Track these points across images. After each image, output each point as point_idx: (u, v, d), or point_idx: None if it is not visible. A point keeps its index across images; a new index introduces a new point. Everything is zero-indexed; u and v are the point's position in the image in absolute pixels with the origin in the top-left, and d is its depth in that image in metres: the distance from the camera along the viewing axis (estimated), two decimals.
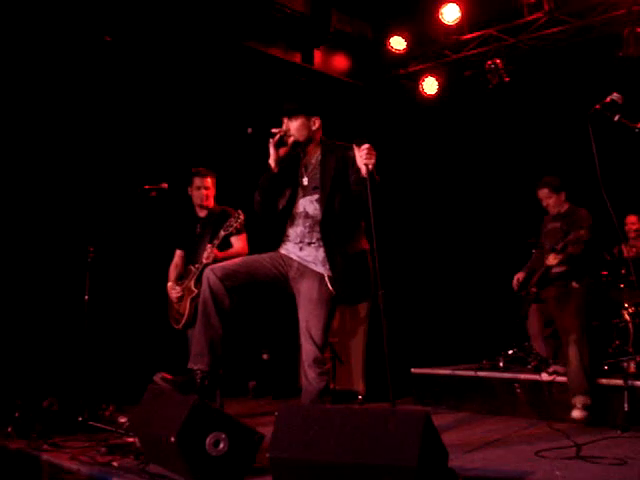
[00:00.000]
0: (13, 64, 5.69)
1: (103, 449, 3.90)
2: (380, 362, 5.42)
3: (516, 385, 5.44)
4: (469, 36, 7.50)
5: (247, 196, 4.12)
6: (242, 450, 3.27)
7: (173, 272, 5.19)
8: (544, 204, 5.42)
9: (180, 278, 5.11)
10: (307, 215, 3.80)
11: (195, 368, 3.63)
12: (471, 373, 5.82)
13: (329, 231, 3.72)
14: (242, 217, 4.68)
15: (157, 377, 3.62)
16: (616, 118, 3.49)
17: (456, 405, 5.82)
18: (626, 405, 4.57)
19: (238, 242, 4.97)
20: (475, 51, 7.58)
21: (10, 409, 4.61)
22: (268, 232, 4.06)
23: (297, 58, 7.63)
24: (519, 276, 5.55)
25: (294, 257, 3.80)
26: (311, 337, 3.66)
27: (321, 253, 3.73)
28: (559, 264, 5.12)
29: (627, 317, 5.43)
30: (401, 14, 7.74)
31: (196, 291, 4.80)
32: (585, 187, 4.66)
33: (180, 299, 5.00)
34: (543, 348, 5.27)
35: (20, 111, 5.77)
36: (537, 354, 5.54)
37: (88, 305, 5.06)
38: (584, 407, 4.63)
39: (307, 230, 3.79)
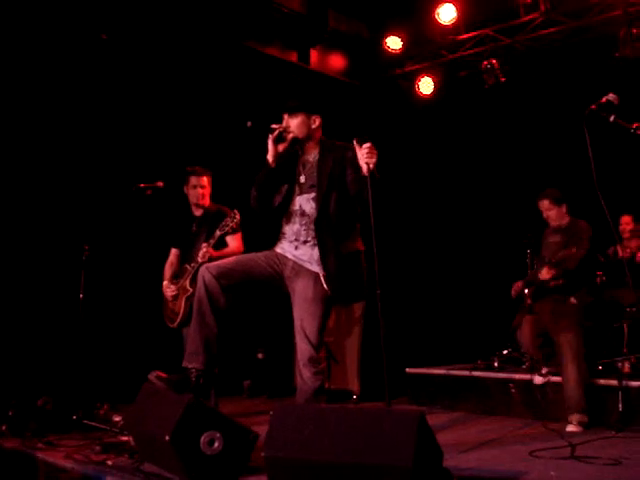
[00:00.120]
0: (9, 62, 5.68)
1: (97, 448, 3.88)
2: (375, 362, 5.43)
3: (511, 385, 5.45)
4: (465, 36, 7.50)
5: (243, 195, 4.12)
6: (237, 449, 3.26)
7: (168, 271, 5.19)
8: (544, 216, 5.37)
9: (175, 277, 5.11)
10: (303, 213, 3.80)
11: (190, 367, 3.63)
12: (466, 373, 5.83)
13: (324, 230, 3.72)
14: (238, 217, 4.68)
15: (152, 376, 3.61)
16: (612, 119, 3.49)
17: (451, 405, 5.83)
18: (620, 405, 4.58)
19: (233, 241, 4.96)
20: (471, 51, 7.58)
21: (4, 408, 4.59)
22: (264, 230, 4.06)
23: (293, 57, 7.63)
24: (518, 284, 5.51)
25: (289, 256, 3.80)
26: (306, 336, 3.66)
27: (316, 252, 3.73)
28: (555, 278, 5.09)
29: (622, 317, 5.44)
30: (397, 14, 7.74)
31: (191, 290, 4.79)
32: (580, 187, 4.67)
33: (175, 298, 4.99)
34: (535, 355, 5.26)
35: (15, 109, 5.76)
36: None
37: (83, 303, 5.06)
38: (580, 424, 4.62)
39: (303, 228, 3.79)
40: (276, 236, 3.91)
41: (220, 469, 3.20)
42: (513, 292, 5.53)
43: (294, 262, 3.78)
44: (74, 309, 5.07)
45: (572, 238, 5.13)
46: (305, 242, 3.77)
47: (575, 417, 4.62)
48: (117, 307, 6.18)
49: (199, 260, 4.72)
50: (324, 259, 3.69)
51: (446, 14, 7.27)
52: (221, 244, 4.89)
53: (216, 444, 3.20)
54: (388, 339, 3.41)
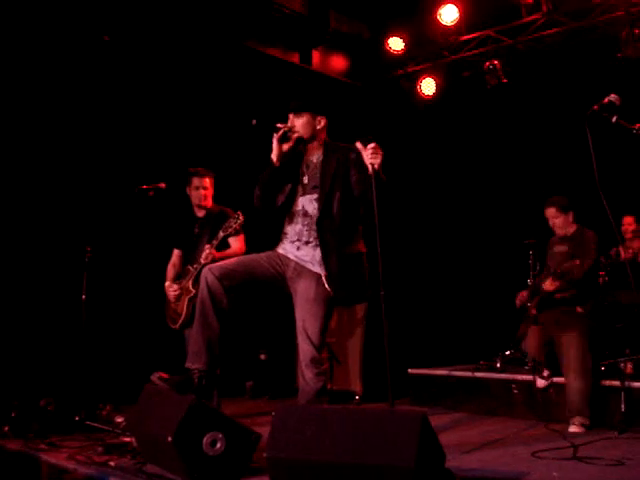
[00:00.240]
0: (11, 64, 5.69)
1: (100, 449, 3.88)
2: (377, 362, 5.43)
3: (513, 386, 5.44)
4: (467, 37, 7.50)
5: (245, 196, 4.12)
6: (239, 450, 3.26)
7: (171, 271, 5.19)
8: (550, 224, 5.26)
9: (178, 278, 5.11)
10: (306, 213, 3.80)
11: (192, 368, 3.63)
12: (468, 374, 5.82)
13: (326, 231, 3.73)
14: (242, 218, 4.68)
15: (154, 376, 3.61)
16: (614, 119, 3.49)
17: (453, 406, 5.82)
18: (623, 406, 4.57)
19: (236, 243, 4.97)
20: (473, 52, 7.58)
21: (7, 409, 4.59)
22: (267, 230, 4.06)
23: (295, 58, 7.64)
24: (523, 294, 5.43)
25: (291, 257, 3.81)
26: (308, 337, 3.66)
27: (318, 253, 3.73)
28: (560, 290, 5.02)
29: (624, 318, 5.43)
30: (399, 15, 7.74)
31: (194, 291, 4.79)
32: (582, 188, 4.66)
33: (177, 299, 4.99)
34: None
35: (18, 110, 5.77)
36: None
37: (85, 305, 5.06)
38: (582, 425, 4.62)
39: (305, 229, 3.79)
40: (278, 237, 3.91)
41: (222, 470, 3.20)
42: (518, 302, 5.44)
43: (296, 263, 3.78)
44: (76, 310, 5.08)
45: (578, 248, 5.04)
46: (307, 243, 3.78)
47: (577, 419, 4.62)
48: (119, 308, 6.18)
49: (202, 261, 4.72)
50: (326, 259, 3.69)
51: (448, 15, 7.27)
52: (223, 245, 4.89)
53: (218, 445, 3.20)
54: (390, 340, 3.41)
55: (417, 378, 6.19)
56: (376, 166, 3.50)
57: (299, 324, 3.71)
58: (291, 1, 7.10)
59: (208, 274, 3.67)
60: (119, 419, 4.59)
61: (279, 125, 3.78)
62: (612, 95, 3.51)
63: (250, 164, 4.99)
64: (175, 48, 6.52)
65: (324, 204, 3.74)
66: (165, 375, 3.60)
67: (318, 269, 3.72)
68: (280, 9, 6.98)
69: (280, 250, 3.86)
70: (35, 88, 5.85)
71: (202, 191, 5.09)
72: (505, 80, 7.30)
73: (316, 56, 7.82)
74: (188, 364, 3.66)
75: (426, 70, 8.05)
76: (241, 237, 4.98)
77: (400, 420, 2.82)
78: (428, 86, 8.06)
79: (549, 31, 6.97)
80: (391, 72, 8.26)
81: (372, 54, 8.12)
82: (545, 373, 5.04)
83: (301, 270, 3.76)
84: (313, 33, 7.55)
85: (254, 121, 3.76)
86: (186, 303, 4.90)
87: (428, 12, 7.41)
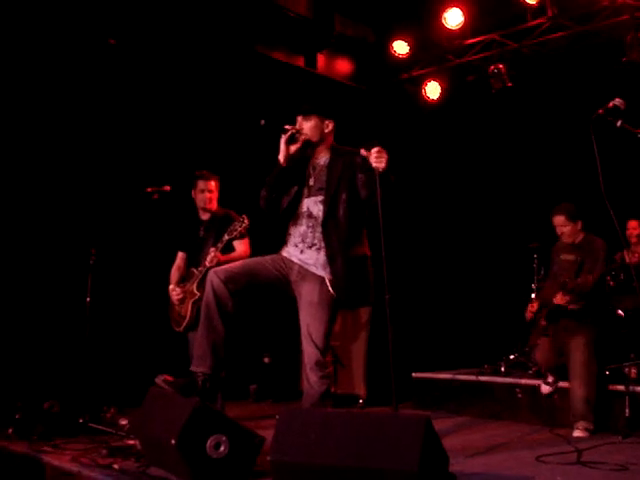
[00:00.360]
0: (18, 67, 5.70)
1: (104, 451, 3.88)
2: (381, 366, 5.42)
3: (517, 390, 5.44)
4: (472, 41, 7.49)
5: (250, 199, 4.12)
6: (243, 453, 3.27)
7: (175, 274, 5.19)
8: (558, 232, 5.19)
9: (182, 280, 5.11)
10: (310, 215, 3.81)
11: (197, 371, 3.64)
12: (472, 378, 5.82)
13: (331, 232, 3.73)
14: (247, 222, 4.68)
15: (159, 379, 3.62)
16: (619, 123, 3.49)
17: (457, 410, 5.81)
18: (627, 411, 4.57)
19: (240, 246, 4.97)
20: (478, 56, 7.57)
21: (11, 411, 4.60)
22: (272, 233, 4.07)
23: (300, 62, 7.65)
24: (533, 306, 5.31)
25: (295, 260, 3.81)
26: (312, 340, 3.67)
27: (322, 256, 3.74)
28: (570, 302, 4.98)
29: (629, 322, 5.41)
30: (404, 18, 7.74)
31: (198, 294, 4.80)
32: (587, 192, 4.66)
33: (181, 301, 4.99)
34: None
35: (25, 114, 5.78)
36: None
37: (90, 307, 5.07)
38: (586, 430, 4.62)
39: (309, 230, 3.80)
40: (282, 240, 3.92)
41: (226, 473, 3.20)
42: (528, 315, 5.32)
43: (300, 266, 3.79)
44: (81, 312, 5.08)
45: (587, 258, 5.00)
46: (311, 246, 3.78)
47: (581, 424, 4.62)
48: (124, 310, 6.18)
49: (207, 264, 4.72)
50: (331, 261, 3.70)
51: (453, 18, 7.27)
52: (228, 248, 4.90)
53: (222, 448, 3.20)
54: (394, 343, 3.41)
55: (421, 382, 6.18)
56: (381, 169, 3.51)
57: (303, 327, 3.72)
58: (296, 5, 7.11)
59: (214, 278, 3.68)
60: (123, 421, 4.60)
61: (287, 127, 3.80)
62: (617, 99, 3.51)
63: (255, 167, 5.00)
64: (180, 52, 6.53)
65: (329, 206, 3.75)
66: (170, 378, 3.61)
67: (322, 272, 3.72)
68: (285, 12, 7.00)
69: (284, 253, 3.87)
70: (42, 91, 5.86)
71: (207, 194, 5.09)
72: (510, 84, 7.29)
73: (321, 60, 7.83)
74: (193, 367, 3.67)
75: (431, 74, 8.05)
76: (246, 240, 4.98)
77: (404, 424, 2.82)
78: (433, 90, 8.06)
79: (554, 35, 6.96)
80: (396, 76, 8.26)
81: (377, 58, 8.13)
82: (550, 379, 5.03)
83: (305, 273, 3.77)
84: (318, 37, 7.56)
85: (262, 121, 3.78)
86: (190, 306, 4.90)
87: (433, 16, 7.41)
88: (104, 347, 5.74)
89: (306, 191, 3.87)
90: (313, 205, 3.82)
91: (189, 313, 4.90)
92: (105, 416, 4.99)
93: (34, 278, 5.77)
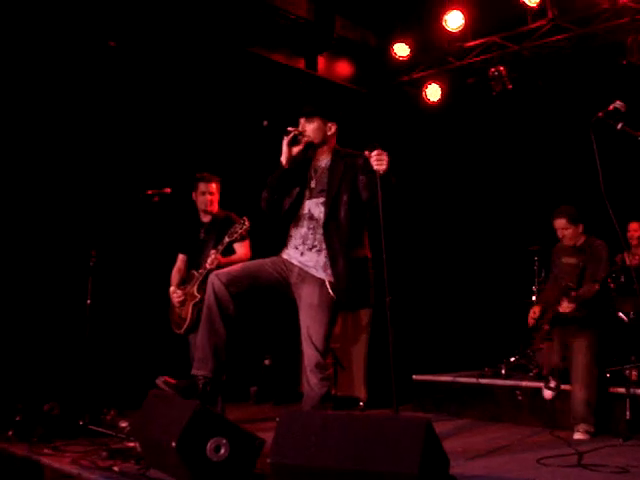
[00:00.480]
0: (18, 69, 5.71)
1: (104, 453, 3.89)
2: (381, 368, 5.42)
3: (518, 392, 5.43)
4: (472, 43, 7.51)
5: (251, 202, 4.12)
6: (243, 456, 3.26)
7: (175, 276, 5.19)
8: (559, 235, 5.17)
9: (182, 283, 5.11)
10: (312, 217, 3.81)
11: (198, 374, 3.63)
12: (473, 380, 5.81)
13: (332, 234, 3.73)
14: (247, 224, 4.67)
15: (159, 381, 3.62)
16: (619, 126, 3.48)
17: (457, 412, 5.81)
18: (628, 413, 4.57)
19: (241, 248, 4.97)
20: (478, 58, 7.58)
21: (11, 413, 4.60)
22: (273, 235, 4.07)
23: (301, 64, 7.66)
24: (535, 310, 5.29)
25: (295, 262, 3.81)
26: (312, 342, 3.66)
27: (322, 258, 3.73)
28: (574, 311, 4.95)
29: (630, 325, 5.41)
30: (405, 21, 7.76)
31: (199, 296, 4.80)
32: (588, 194, 4.65)
33: (182, 304, 4.99)
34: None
35: (24, 116, 5.79)
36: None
37: (90, 309, 5.07)
38: (587, 432, 4.62)
39: (310, 232, 3.80)
40: (283, 242, 3.92)
41: (226, 476, 3.20)
42: (530, 321, 5.27)
43: (300, 268, 3.78)
44: (81, 314, 5.08)
45: (590, 262, 4.98)
46: (311, 248, 3.78)
47: (582, 426, 4.62)
48: (124, 313, 6.19)
49: (207, 267, 4.72)
50: (332, 262, 3.69)
51: (453, 21, 7.27)
52: (228, 251, 4.89)
53: (222, 450, 3.20)
54: (395, 346, 3.41)
55: (421, 384, 6.18)
56: (382, 171, 3.51)
57: (303, 330, 3.71)
58: (297, 7, 7.12)
59: (215, 280, 3.68)
60: (123, 424, 4.60)
61: (289, 128, 3.79)
62: (617, 102, 3.51)
63: (256, 169, 4.99)
64: (181, 54, 6.54)
65: (331, 207, 3.75)
66: (170, 380, 3.61)
67: (322, 274, 3.72)
68: (286, 15, 7.01)
69: (284, 255, 3.86)
70: (42, 93, 5.87)
71: (208, 196, 5.09)
72: (510, 86, 7.29)
73: (322, 62, 7.84)
74: (194, 371, 3.66)
75: (431, 76, 8.06)
76: (246, 243, 4.97)
77: (404, 426, 2.81)
78: (433, 92, 8.07)
79: (554, 37, 6.98)
80: (396, 78, 8.28)
81: (377, 60, 8.14)
82: (552, 384, 5.00)
83: (305, 276, 3.76)
84: (319, 39, 7.57)
85: (266, 122, 3.78)
86: (191, 308, 4.90)
87: (434, 18, 7.42)
88: (104, 349, 5.73)
89: (307, 193, 3.87)
90: (314, 207, 3.82)
91: (190, 315, 4.90)
92: (105, 418, 4.98)
93: (35, 280, 5.78)
